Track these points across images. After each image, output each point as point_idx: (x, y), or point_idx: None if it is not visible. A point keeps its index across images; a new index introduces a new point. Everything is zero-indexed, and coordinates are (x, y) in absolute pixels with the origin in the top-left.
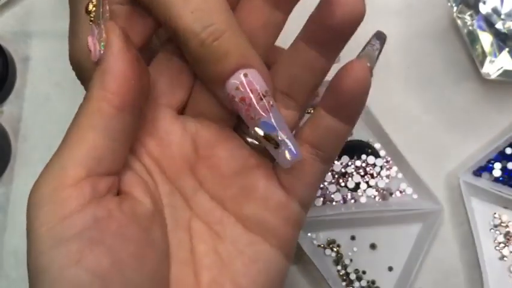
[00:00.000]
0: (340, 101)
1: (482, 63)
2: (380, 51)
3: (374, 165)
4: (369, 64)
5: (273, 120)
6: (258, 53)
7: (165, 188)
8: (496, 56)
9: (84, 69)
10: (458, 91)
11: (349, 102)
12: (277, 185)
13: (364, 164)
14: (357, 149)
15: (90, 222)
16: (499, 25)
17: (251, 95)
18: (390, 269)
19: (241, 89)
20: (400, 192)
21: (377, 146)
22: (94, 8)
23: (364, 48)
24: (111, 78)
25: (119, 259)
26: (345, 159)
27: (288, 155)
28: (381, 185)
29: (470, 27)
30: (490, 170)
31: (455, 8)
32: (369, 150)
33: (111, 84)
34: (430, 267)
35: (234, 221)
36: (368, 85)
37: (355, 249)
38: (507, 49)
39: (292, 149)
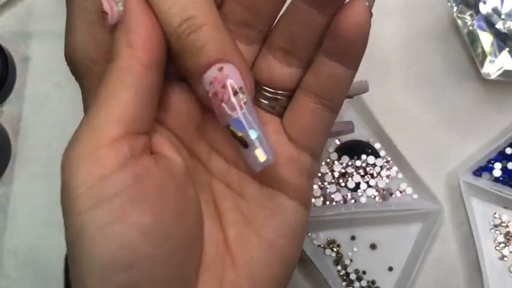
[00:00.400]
0: (341, 45)
1: (482, 63)
2: None
3: (374, 165)
4: (367, 3)
5: (244, 118)
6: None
7: (184, 152)
8: (496, 56)
9: (79, 66)
10: (458, 91)
11: (350, 45)
12: (286, 139)
13: (364, 164)
14: (357, 149)
15: (131, 180)
16: (499, 25)
17: (223, 90)
18: (390, 269)
19: (215, 83)
20: (400, 192)
21: (377, 146)
22: None
23: None
24: (137, 35)
25: (161, 215)
26: (345, 159)
27: (257, 158)
28: (381, 185)
29: (471, 27)
30: (490, 170)
31: (455, 8)
32: (369, 150)
33: (138, 41)
34: (430, 267)
35: (250, 178)
36: (368, 26)
37: (355, 249)
38: (507, 49)
39: (262, 151)
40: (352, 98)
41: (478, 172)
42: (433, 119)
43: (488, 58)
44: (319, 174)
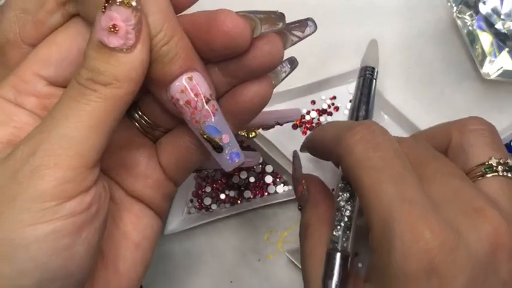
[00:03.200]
0: (237, 108)
1: (482, 63)
2: (287, 74)
3: None
4: (273, 82)
5: (216, 124)
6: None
7: None
8: (495, 56)
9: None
10: (458, 91)
11: (246, 111)
12: (158, 164)
13: None
14: None
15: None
16: (498, 25)
17: (196, 99)
18: None
19: (186, 92)
20: None
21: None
22: None
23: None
24: (135, 71)
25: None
26: None
27: (230, 159)
28: None
29: (470, 27)
30: None
31: (455, 8)
32: None
33: (133, 76)
34: None
35: (117, 186)
36: (267, 100)
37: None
38: (507, 49)
39: (234, 152)
40: (281, 125)
41: None
42: (433, 119)
43: (488, 58)
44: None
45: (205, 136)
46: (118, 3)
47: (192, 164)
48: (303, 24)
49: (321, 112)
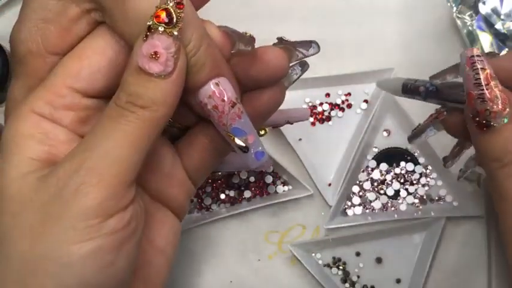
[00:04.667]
0: (253, 112)
1: None
2: (299, 77)
3: (413, 172)
4: (286, 84)
5: (243, 125)
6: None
7: None
8: None
9: (18, 52)
10: None
11: (262, 114)
12: (180, 163)
13: (403, 171)
14: (396, 156)
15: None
16: (498, 25)
17: (223, 103)
18: (398, 281)
19: (214, 97)
20: (440, 199)
21: (416, 153)
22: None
23: None
24: (170, 97)
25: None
26: (384, 166)
27: (256, 157)
28: (421, 192)
29: (470, 28)
30: None
31: (455, 8)
32: (408, 157)
33: (170, 101)
34: (434, 268)
35: (142, 191)
36: (281, 102)
37: (361, 265)
38: (506, 49)
39: (260, 151)
40: (291, 124)
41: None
42: None
43: None
44: (358, 182)
45: (232, 138)
46: (161, 32)
47: (211, 164)
48: (307, 44)
49: (334, 106)
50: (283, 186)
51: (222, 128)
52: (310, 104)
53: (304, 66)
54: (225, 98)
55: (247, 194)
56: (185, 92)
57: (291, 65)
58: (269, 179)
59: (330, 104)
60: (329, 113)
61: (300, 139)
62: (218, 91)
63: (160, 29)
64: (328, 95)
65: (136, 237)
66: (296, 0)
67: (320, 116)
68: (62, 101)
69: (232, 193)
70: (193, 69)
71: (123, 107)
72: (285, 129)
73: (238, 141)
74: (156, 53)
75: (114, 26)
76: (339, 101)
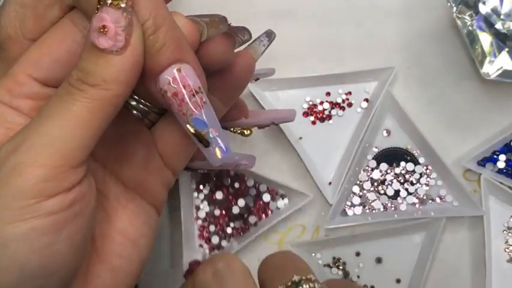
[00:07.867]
0: (226, 84)
1: (481, 63)
2: (266, 47)
3: (413, 172)
4: (254, 56)
5: (204, 117)
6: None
7: None
8: (495, 56)
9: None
10: (458, 91)
11: (234, 85)
12: (156, 151)
13: (403, 171)
14: (396, 156)
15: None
16: (498, 25)
17: (184, 91)
18: (398, 281)
19: (174, 83)
20: (440, 198)
21: (415, 152)
22: None
23: (253, 42)
24: (124, 73)
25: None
26: (384, 166)
27: (218, 153)
28: (421, 192)
29: (470, 28)
30: (495, 161)
31: (455, 8)
32: (408, 157)
33: (123, 79)
34: (435, 269)
35: (115, 180)
36: (251, 73)
37: (361, 265)
38: (506, 49)
39: (223, 146)
40: (276, 125)
41: (482, 162)
42: (433, 118)
43: (488, 58)
44: (358, 182)
45: (191, 129)
46: (108, 4)
47: (188, 151)
48: (242, 29)
49: (334, 105)
50: (283, 199)
51: (182, 119)
52: (311, 103)
53: (270, 36)
54: (187, 85)
55: (252, 219)
56: (146, 77)
57: (257, 37)
58: (267, 197)
59: (331, 102)
60: (329, 111)
61: (301, 138)
62: (180, 76)
63: (108, 1)
64: (328, 93)
65: (81, 221)
66: (296, 0)
67: (320, 114)
68: (21, 89)
69: (237, 224)
70: (151, 50)
71: (73, 85)
72: (285, 128)
73: (191, 129)
74: (104, 26)
75: (79, 6)
76: (339, 100)
